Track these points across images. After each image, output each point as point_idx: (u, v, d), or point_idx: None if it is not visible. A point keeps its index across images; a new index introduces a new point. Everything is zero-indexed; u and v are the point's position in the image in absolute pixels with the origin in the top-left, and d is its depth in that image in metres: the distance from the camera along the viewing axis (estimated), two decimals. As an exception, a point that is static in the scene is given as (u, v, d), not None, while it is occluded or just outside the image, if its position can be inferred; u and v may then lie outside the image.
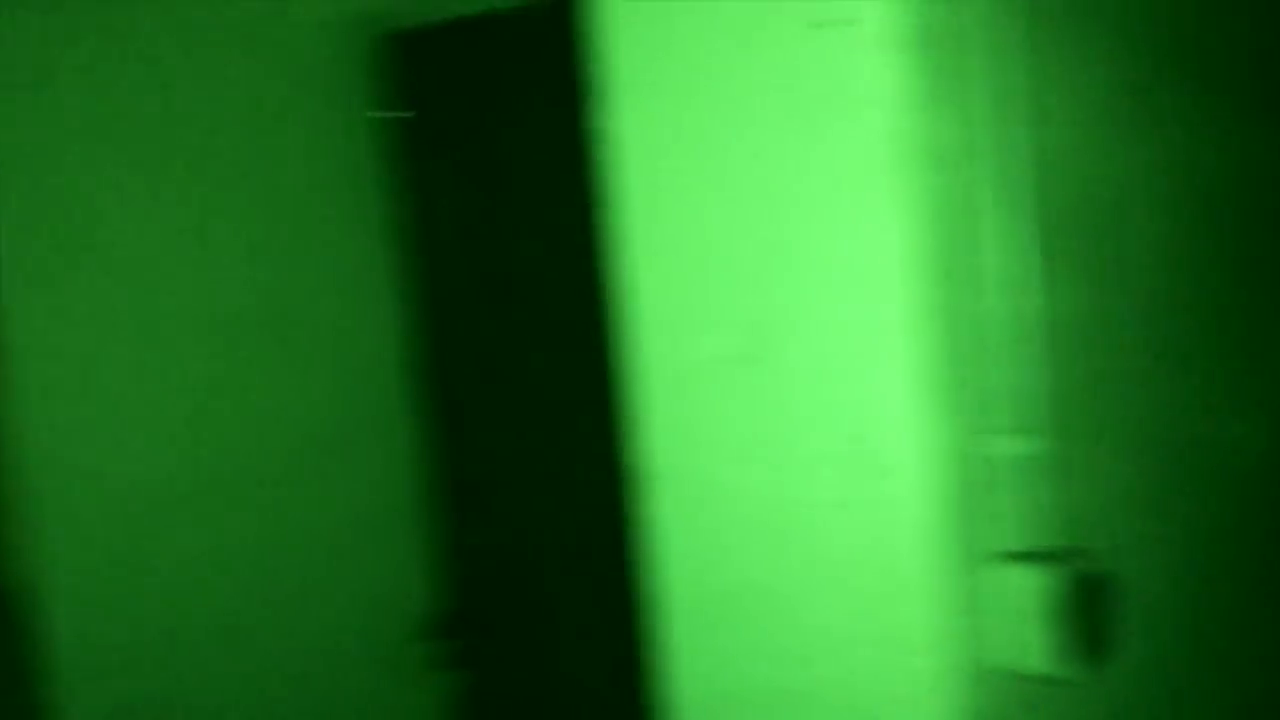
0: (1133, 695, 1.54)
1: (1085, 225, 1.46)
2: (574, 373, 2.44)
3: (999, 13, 1.29)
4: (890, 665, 1.31)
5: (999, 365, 1.32)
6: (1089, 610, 1.33)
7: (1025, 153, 1.33)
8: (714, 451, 1.38)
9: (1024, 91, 1.32)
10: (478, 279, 2.58)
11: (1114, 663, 1.41)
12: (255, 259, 2.39)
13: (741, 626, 1.43)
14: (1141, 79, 1.55)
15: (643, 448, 1.45)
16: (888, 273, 1.23)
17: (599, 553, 2.49)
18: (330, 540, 2.51)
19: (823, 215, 1.26)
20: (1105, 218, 1.49)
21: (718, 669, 1.46)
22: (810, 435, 1.31)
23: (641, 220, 1.40)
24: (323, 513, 2.49)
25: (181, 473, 2.26)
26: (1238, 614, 1.81)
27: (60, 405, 2.08)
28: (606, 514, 2.43)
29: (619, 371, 1.51)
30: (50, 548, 2.06)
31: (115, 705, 2.14)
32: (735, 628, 1.43)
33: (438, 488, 2.70)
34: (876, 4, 1.18)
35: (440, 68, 2.55)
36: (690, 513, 1.42)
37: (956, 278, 1.26)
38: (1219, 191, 1.73)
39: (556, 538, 2.55)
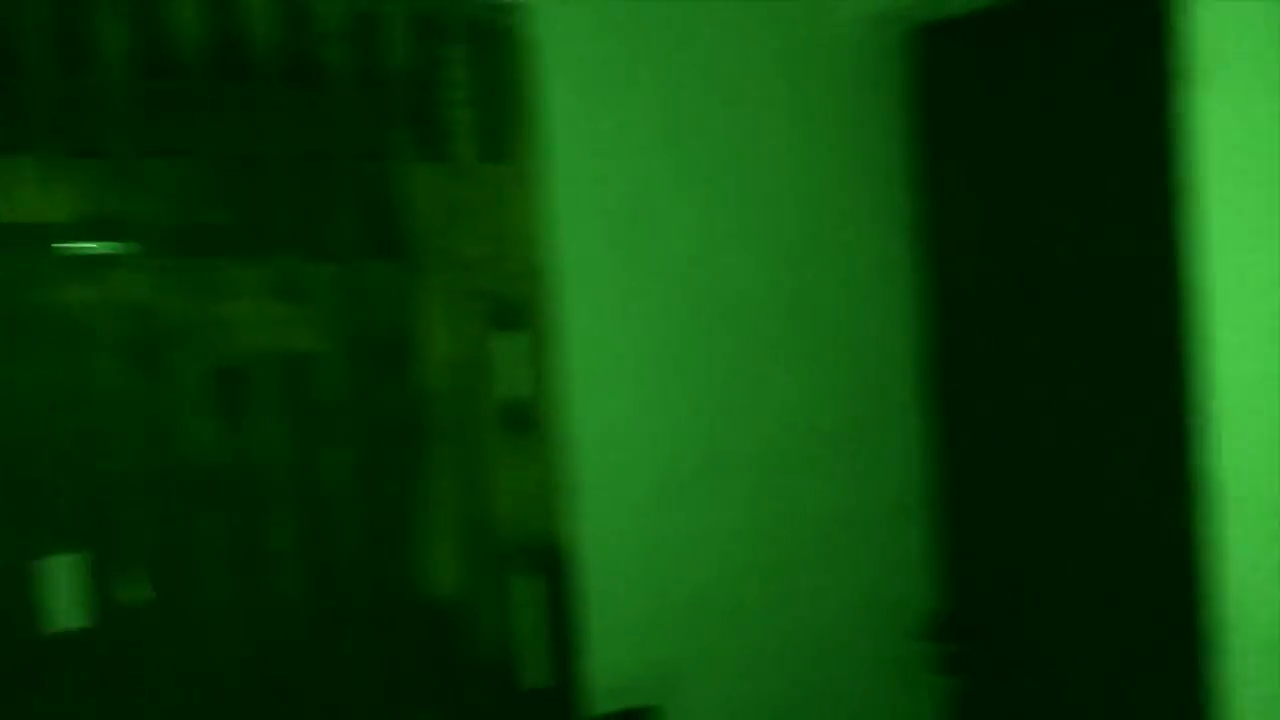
0: None
1: None
2: (1112, 376, 2.28)
3: None
4: None
5: None
6: None
7: None
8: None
9: None
10: (999, 276, 2.49)
11: None
12: (781, 253, 2.48)
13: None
14: None
15: (1214, 464, 1.31)
16: None
17: (1123, 569, 2.31)
18: (833, 532, 2.55)
19: None
20: None
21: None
22: None
23: (1227, 216, 1.26)
24: (828, 504, 2.54)
25: (700, 455, 2.39)
26: None
27: (601, 387, 2.28)
28: (1139, 529, 2.25)
29: (1181, 378, 1.37)
30: (585, 516, 2.27)
31: (629, 667, 2.33)
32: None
33: (943, 487, 2.66)
34: None
35: (969, 59, 2.49)
36: (1275, 543, 1.26)
37: None
38: None
39: (1071, 548, 2.40)
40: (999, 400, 2.52)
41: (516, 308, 2.20)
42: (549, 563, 2.23)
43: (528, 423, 2.21)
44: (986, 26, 2.44)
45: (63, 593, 1.85)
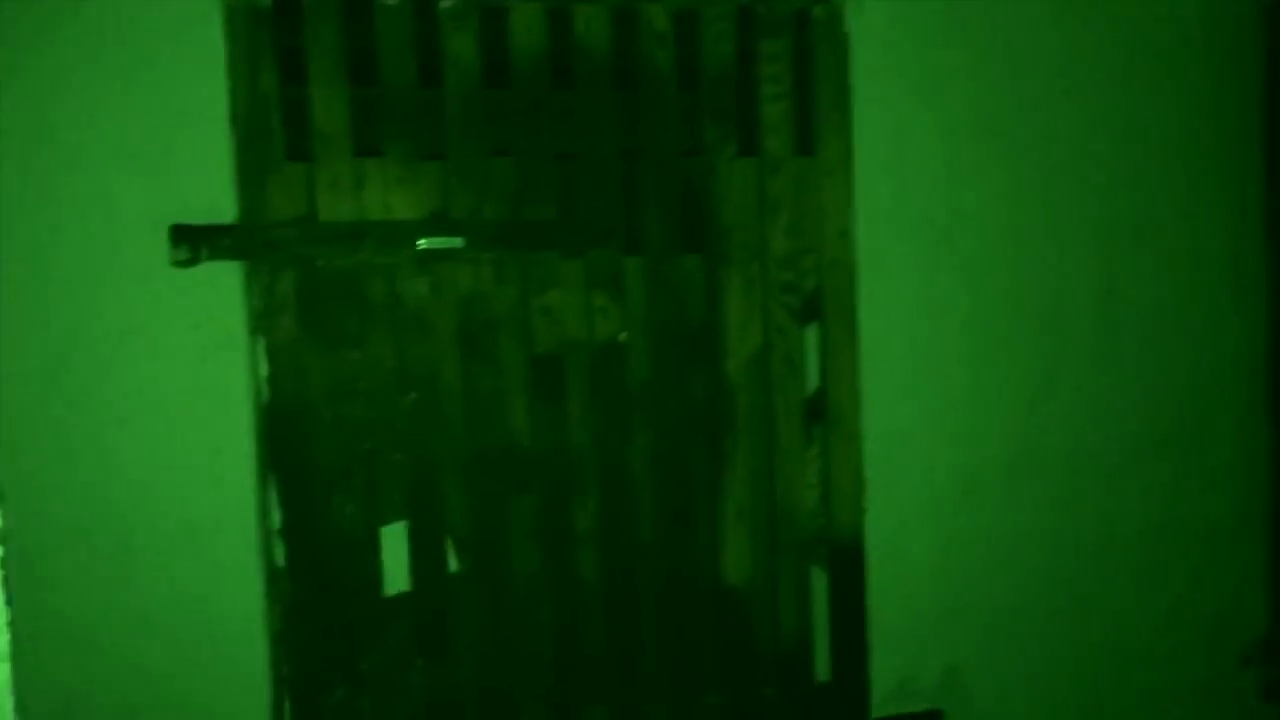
0: None
1: None
2: None
3: None
4: None
5: None
6: None
7: None
8: None
9: None
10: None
11: None
12: (1101, 246, 2.33)
13: None
14: None
15: None
16: None
17: None
18: (1148, 542, 2.39)
19: None
20: None
21: None
22: None
23: None
24: (1143, 512, 2.38)
25: (1004, 455, 2.30)
26: None
27: (901, 382, 2.24)
28: None
29: None
30: (878, 511, 2.24)
31: (913, 669, 2.29)
32: None
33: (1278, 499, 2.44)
34: None
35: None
36: None
37: None
38: None
39: None
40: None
41: (820, 300, 2.18)
42: (839, 556, 2.22)
43: (826, 415, 2.20)
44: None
45: (394, 559, 2.01)
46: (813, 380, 2.21)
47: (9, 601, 0.81)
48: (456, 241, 2.00)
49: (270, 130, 1.92)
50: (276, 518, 1.96)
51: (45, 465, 1.85)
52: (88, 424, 1.87)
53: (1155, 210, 2.36)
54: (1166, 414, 2.40)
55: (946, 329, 2.27)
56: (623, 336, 2.10)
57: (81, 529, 1.87)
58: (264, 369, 1.95)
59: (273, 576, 1.95)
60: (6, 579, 0.80)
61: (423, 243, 1.98)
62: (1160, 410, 2.39)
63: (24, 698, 0.78)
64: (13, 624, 0.81)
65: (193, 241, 1.86)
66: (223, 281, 1.90)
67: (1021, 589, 2.34)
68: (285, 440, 1.96)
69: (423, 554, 2.02)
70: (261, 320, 1.95)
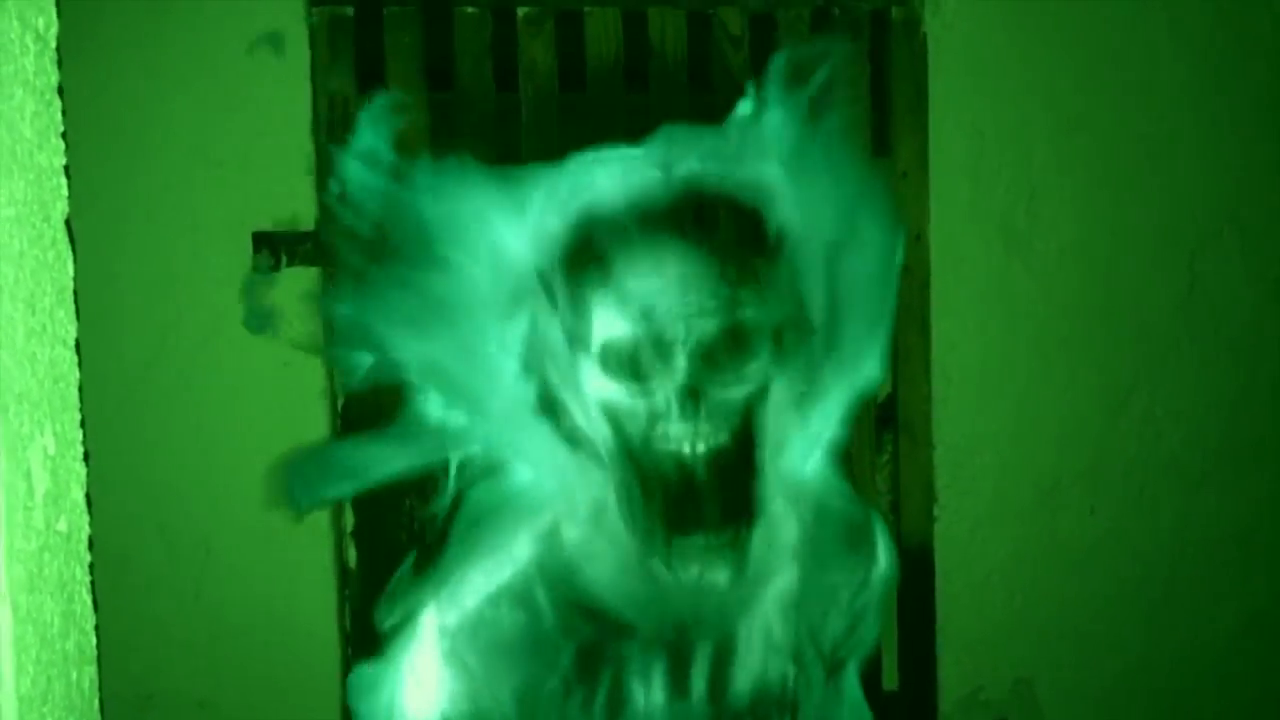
0: None
1: None
2: None
3: None
4: None
5: None
6: None
7: None
8: None
9: None
10: None
11: None
12: (1181, 248, 2.27)
13: None
14: None
15: None
16: None
17: None
18: (1226, 552, 2.33)
19: None
20: None
21: None
22: None
23: None
24: (1222, 520, 2.32)
25: (1081, 462, 2.25)
26: None
27: (975, 386, 2.20)
28: None
29: None
30: (949, 518, 2.21)
31: (981, 679, 2.25)
32: None
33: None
34: None
35: None
36: None
37: None
38: None
39: None
40: None
41: (892, 306, 2.15)
42: (908, 564, 2.19)
43: (897, 421, 2.17)
44: None
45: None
46: (888, 387, 2.17)
47: (95, 606, 0.82)
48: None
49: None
50: (349, 519, 1.98)
51: (130, 467, 1.88)
52: (170, 427, 1.91)
53: (1241, 210, 2.30)
54: (1251, 421, 2.33)
55: (1022, 334, 2.22)
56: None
57: (162, 530, 1.90)
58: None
59: (344, 577, 1.97)
60: (93, 583, 0.80)
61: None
62: (1245, 417, 2.33)
63: (105, 699, 0.79)
64: (98, 627, 0.82)
65: (274, 248, 1.88)
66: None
67: (1096, 600, 2.29)
68: (359, 443, 1.97)
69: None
70: (338, 324, 1.97)
